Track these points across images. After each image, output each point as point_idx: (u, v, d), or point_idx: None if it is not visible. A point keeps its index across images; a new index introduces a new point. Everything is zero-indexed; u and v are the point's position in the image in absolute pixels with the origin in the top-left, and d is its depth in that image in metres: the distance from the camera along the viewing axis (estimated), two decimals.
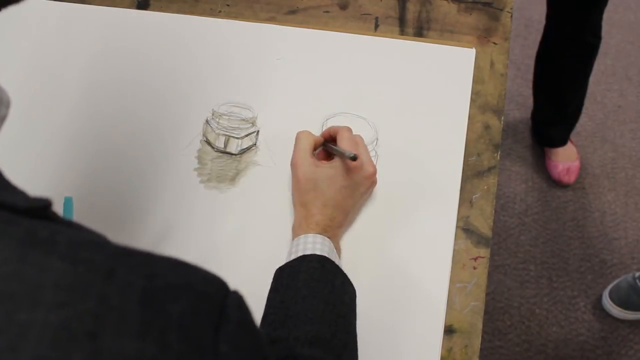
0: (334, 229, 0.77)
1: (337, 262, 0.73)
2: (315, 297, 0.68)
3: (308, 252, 0.72)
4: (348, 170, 0.77)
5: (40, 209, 0.44)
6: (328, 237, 0.75)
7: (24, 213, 0.42)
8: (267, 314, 0.69)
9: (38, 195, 0.45)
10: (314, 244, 0.73)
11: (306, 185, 0.77)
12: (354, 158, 0.75)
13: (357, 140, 0.80)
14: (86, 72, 0.93)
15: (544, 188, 1.98)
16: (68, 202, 0.78)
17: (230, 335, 0.43)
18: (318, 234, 0.74)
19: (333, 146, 0.80)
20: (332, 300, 0.68)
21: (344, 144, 0.78)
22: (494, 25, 0.93)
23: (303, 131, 0.81)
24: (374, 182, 0.81)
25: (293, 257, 0.73)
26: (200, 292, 0.43)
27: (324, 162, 0.81)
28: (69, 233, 0.42)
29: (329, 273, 0.71)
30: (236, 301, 0.46)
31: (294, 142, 0.81)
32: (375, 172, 0.80)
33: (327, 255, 0.72)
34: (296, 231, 0.77)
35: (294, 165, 0.79)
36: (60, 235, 0.41)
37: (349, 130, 0.81)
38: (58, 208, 0.81)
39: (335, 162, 0.79)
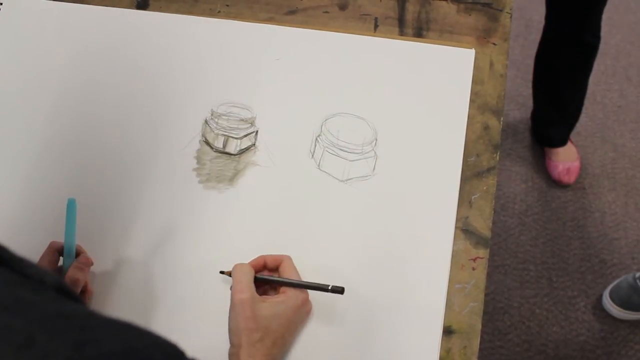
0: None
1: None
2: None
3: None
4: (298, 305, 0.75)
5: None
6: None
7: None
8: None
9: None
10: None
11: (257, 324, 0.71)
12: (341, 291, 0.75)
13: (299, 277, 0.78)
14: (85, 72, 0.93)
15: (544, 188, 1.98)
16: (71, 204, 0.78)
17: None
18: None
19: (304, 283, 0.77)
20: None
21: (293, 276, 0.76)
22: (493, 25, 0.93)
23: (242, 264, 0.76)
24: (310, 307, 0.79)
25: None
26: (142, 359, 0.38)
27: (266, 297, 0.76)
28: None
29: None
30: None
31: (292, 142, 0.80)
32: (310, 309, 0.78)
33: None
34: None
35: (240, 303, 0.72)
36: None
37: (291, 261, 0.78)
38: (60, 209, 0.81)
39: (281, 297, 0.75)
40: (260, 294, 0.75)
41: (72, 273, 0.77)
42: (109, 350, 0.37)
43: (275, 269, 0.79)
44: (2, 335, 0.35)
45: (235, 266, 0.76)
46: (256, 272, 0.77)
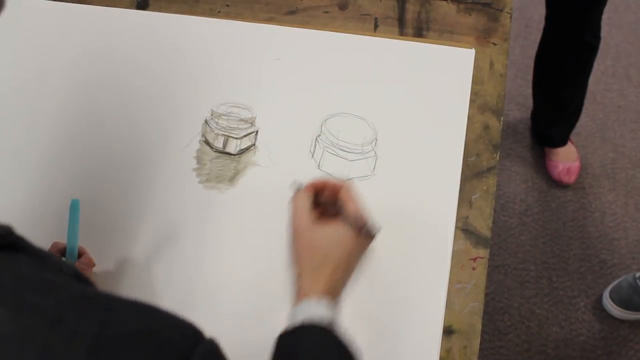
0: (339, 292, 0.72)
1: (339, 330, 0.68)
2: None
3: (309, 320, 0.67)
4: (356, 233, 0.72)
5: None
6: (331, 303, 0.70)
7: None
8: None
9: (3, 223, 0.42)
10: (317, 312, 0.68)
11: (314, 251, 0.71)
12: (374, 234, 0.72)
13: (361, 203, 0.75)
14: (86, 72, 0.93)
15: (544, 188, 1.98)
16: (75, 204, 0.78)
17: None
18: (322, 299, 0.69)
19: (348, 214, 0.73)
20: None
21: (352, 207, 0.73)
22: (493, 25, 0.93)
23: (300, 191, 0.75)
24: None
25: (294, 323, 0.68)
26: (163, 340, 0.40)
27: (323, 223, 0.73)
28: (21, 272, 0.39)
29: (332, 345, 0.66)
30: (207, 352, 0.42)
31: (292, 143, 0.80)
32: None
33: (330, 324, 0.67)
34: (298, 294, 0.71)
35: (298, 228, 0.72)
36: (7, 276, 0.38)
37: (351, 189, 0.75)
38: (62, 210, 0.81)
39: (340, 223, 0.73)
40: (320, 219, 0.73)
41: None
42: (132, 330, 0.39)
43: (335, 196, 0.76)
44: (35, 313, 0.37)
45: (294, 194, 0.75)
46: (316, 193, 0.75)
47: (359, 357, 0.66)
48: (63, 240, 0.79)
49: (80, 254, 0.80)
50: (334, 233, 0.72)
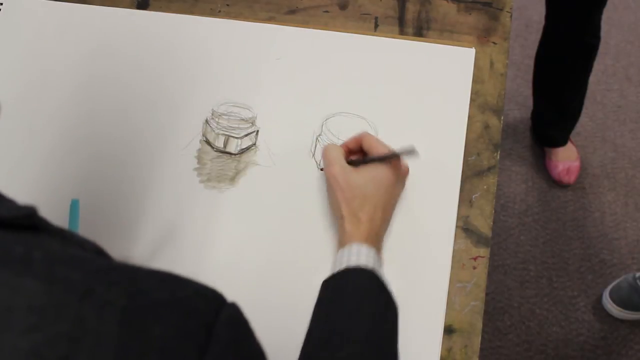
0: (380, 234, 0.74)
1: (382, 274, 0.70)
2: (361, 315, 0.65)
3: (354, 264, 0.69)
4: (390, 167, 0.77)
5: (24, 218, 0.42)
6: (374, 246, 0.72)
7: (6, 225, 0.40)
8: (311, 328, 0.66)
9: (24, 204, 0.43)
10: (359, 256, 0.70)
11: (353, 192, 0.74)
12: (412, 151, 0.76)
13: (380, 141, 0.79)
14: (86, 72, 0.93)
15: (544, 188, 1.98)
16: (75, 204, 0.78)
17: (217, 358, 0.40)
18: (364, 244, 0.71)
19: (378, 155, 0.77)
20: (377, 319, 0.66)
21: (380, 148, 0.77)
22: (493, 25, 0.93)
23: (329, 144, 0.80)
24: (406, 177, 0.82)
25: (338, 268, 0.69)
26: (188, 308, 0.41)
27: (360, 166, 0.77)
28: (48, 247, 0.40)
29: (375, 289, 0.68)
30: (230, 317, 0.43)
31: (292, 142, 0.81)
32: (408, 171, 0.81)
33: (373, 268, 0.69)
34: (342, 241, 0.74)
35: (333, 176, 0.75)
36: (37, 251, 0.39)
37: (372, 136, 0.80)
38: (63, 210, 0.81)
39: (374, 165, 0.77)
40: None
41: None
42: (159, 299, 0.40)
43: (360, 150, 0.80)
44: (65, 285, 0.37)
45: (325, 147, 0.79)
46: (345, 158, 0.78)
47: (396, 302, 0.69)
48: None
49: None
50: (369, 174, 0.75)
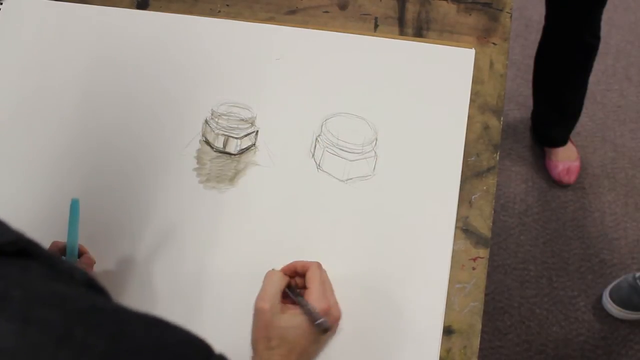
0: None
1: None
2: None
3: None
4: (328, 327, 0.74)
5: (10, 244, 0.39)
6: None
7: None
8: None
9: (14, 228, 0.40)
10: None
11: (274, 332, 0.72)
12: (325, 329, 0.73)
13: (325, 286, 0.76)
14: (85, 72, 0.93)
15: (544, 188, 1.98)
16: (75, 204, 0.78)
17: None
18: None
19: (304, 304, 0.74)
20: None
21: (313, 297, 0.74)
22: (493, 25, 0.93)
23: (274, 272, 0.77)
24: (337, 324, 0.78)
25: None
26: (175, 357, 0.39)
27: (290, 306, 0.75)
28: (30, 283, 0.37)
29: None
30: None
31: (292, 142, 0.80)
32: (339, 317, 0.77)
33: None
34: None
35: (260, 311, 0.73)
36: (15, 289, 0.37)
37: (318, 270, 0.76)
38: (63, 210, 0.81)
39: (298, 311, 0.75)
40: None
41: None
42: (142, 345, 0.38)
43: (304, 275, 0.78)
44: (42, 327, 0.35)
45: (267, 273, 0.76)
46: (290, 276, 0.77)
47: None
48: (62, 239, 0.79)
49: (81, 254, 0.80)
50: (292, 318, 0.73)
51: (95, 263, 0.81)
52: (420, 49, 0.92)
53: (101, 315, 0.38)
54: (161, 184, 0.86)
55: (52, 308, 0.37)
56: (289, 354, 0.72)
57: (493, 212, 0.84)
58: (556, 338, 1.78)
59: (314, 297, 0.74)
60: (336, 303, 0.76)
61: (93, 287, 0.44)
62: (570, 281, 1.85)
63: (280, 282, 0.75)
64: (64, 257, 0.79)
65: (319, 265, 0.77)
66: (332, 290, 0.77)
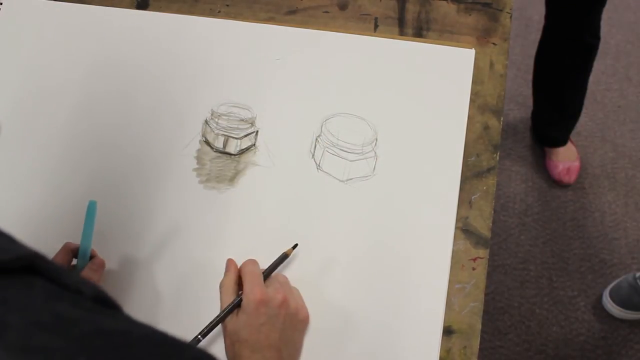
0: None
1: None
2: None
3: None
4: (253, 308, 0.73)
5: (15, 261, 0.37)
6: None
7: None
8: None
9: (19, 242, 0.38)
10: None
11: (229, 339, 0.73)
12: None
13: (253, 277, 0.76)
14: (85, 72, 0.93)
15: (544, 188, 1.98)
16: (92, 205, 0.78)
17: None
18: None
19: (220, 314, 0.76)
20: None
21: (245, 281, 0.76)
22: (493, 25, 0.93)
23: (226, 285, 0.77)
24: (288, 306, 0.74)
25: None
26: None
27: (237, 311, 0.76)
28: (31, 307, 0.36)
29: None
30: None
31: (292, 143, 0.81)
32: (265, 297, 0.73)
33: None
34: None
35: (224, 324, 0.75)
36: (14, 315, 0.35)
37: (249, 264, 0.78)
38: (63, 210, 0.81)
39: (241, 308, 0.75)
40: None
41: (87, 274, 0.77)
42: None
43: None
44: (42, 356, 0.34)
45: (221, 283, 0.78)
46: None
47: None
48: (71, 240, 0.79)
49: (92, 256, 0.80)
50: (236, 320, 0.74)
51: (105, 266, 0.81)
52: (420, 49, 0.92)
53: (105, 339, 0.36)
54: (161, 184, 0.86)
55: (54, 334, 0.35)
56: (251, 355, 0.71)
57: (493, 212, 0.84)
58: (556, 338, 1.78)
59: (244, 289, 0.75)
60: (257, 288, 0.74)
61: (101, 301, 0.42)
62: (570, 281, 1.85)
63: (232, 288, 0.77)
64: (75, 260, 0.79)
65: (250, 262, 0.78)
66: (256, 276, 0.76)
